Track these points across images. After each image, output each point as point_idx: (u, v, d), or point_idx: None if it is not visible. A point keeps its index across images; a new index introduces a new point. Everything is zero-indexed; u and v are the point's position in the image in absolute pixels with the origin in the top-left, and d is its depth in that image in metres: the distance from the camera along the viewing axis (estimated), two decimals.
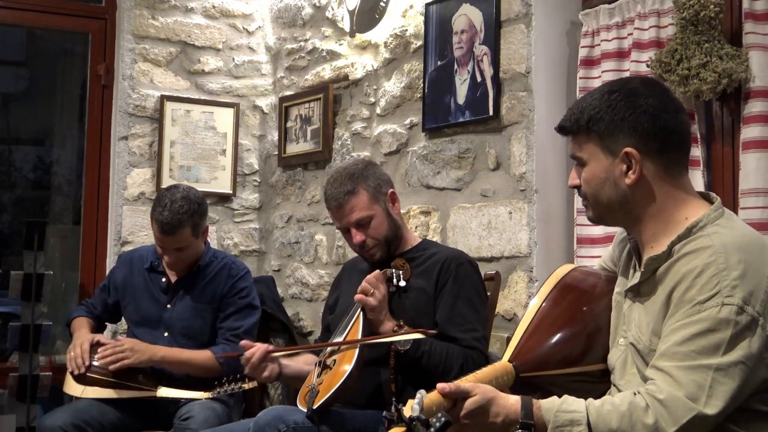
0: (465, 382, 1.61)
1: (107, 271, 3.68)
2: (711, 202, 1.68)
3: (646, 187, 1.65)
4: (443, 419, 1.45)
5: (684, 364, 1.47)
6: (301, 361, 2.55)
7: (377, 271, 2.38)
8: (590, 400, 1.54)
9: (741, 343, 1.47)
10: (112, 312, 3.26)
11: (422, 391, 1.50)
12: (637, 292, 1.69)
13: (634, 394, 1.51)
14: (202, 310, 3.12)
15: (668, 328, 1.54)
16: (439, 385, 1.58)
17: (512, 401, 1.57)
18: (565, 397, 1.56)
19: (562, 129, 1.75)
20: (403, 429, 1.46)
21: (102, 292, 3.29)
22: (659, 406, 1.46)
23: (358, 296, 2.32)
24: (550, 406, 1.54)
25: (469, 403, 1.56)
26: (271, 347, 2.40)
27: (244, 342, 2.43)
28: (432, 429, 1.42)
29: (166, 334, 3.11)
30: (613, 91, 1.68)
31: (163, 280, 3.16)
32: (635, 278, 1.69)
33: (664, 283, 1.60)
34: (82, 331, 3.09)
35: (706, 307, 1.49)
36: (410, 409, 1.48)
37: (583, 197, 1.75)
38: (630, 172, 1.65)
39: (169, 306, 3.13)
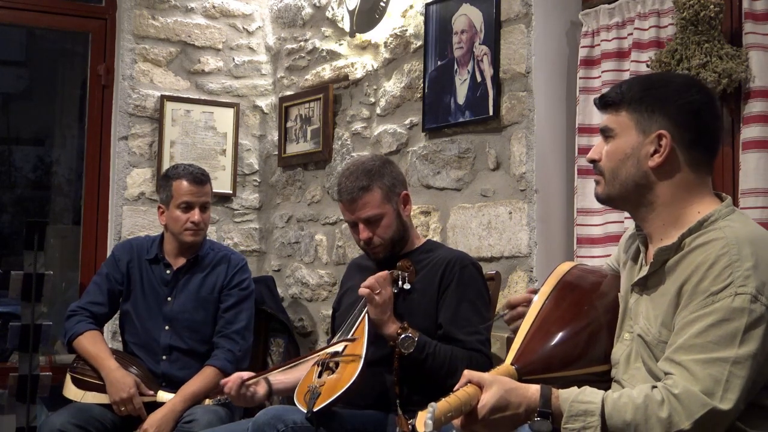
0: (485, 374, 1.62)
1: (110, 259, 3.62)
2: (722, 200, 1.70)
3: (667, 174, 1.67)
4: None
5: (701, 357, 1.48)
6: (299, 372, 2.50)
7: (385, 272, 2.36)
8: (608, 392, 1.55)
9: (756, 332, 1.48)
10: (114, 302, 3.19)
11: (433, 404, 1.50)
12: (644, 285, 1.70)
13: (652, 387, 1.51)
14: (204, 301, 3.13)
15: (682, 320, 1.54)
16: (467, 372, 1.61)
17: (532, 390, 1.58)
18: (585, 387, 1.57)
19: (603, 100, 1.74)
20: None
21: (105, 282, 3.18)
22: (674, 400, 1.47)
23: (363, 290, 2.30)
24: (567, 395, 1.55)
25: (490, 395, 1.57)
26: (245, 376, 2.41)
27: (222, 381, 2.45)
28: None
29: (167, 327, 3.10)
30: (666, 77, 1.74)
31: (168, 272, 3.15)
32: (643, 271, 1.70)
33: (675, 275, 1.61)
34: (120, 372, 2.92)
35: (720, 297, 1.50)
36: (423, 424, 1.47)
37: (598, 172, 1.74)
38: (656, 155, 1.66)
39: (169, 299, 3.12)
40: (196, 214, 3.11)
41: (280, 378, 2.50)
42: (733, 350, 1.47)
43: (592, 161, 1.76)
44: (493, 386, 1.58)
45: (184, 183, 3.12)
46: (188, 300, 3.12)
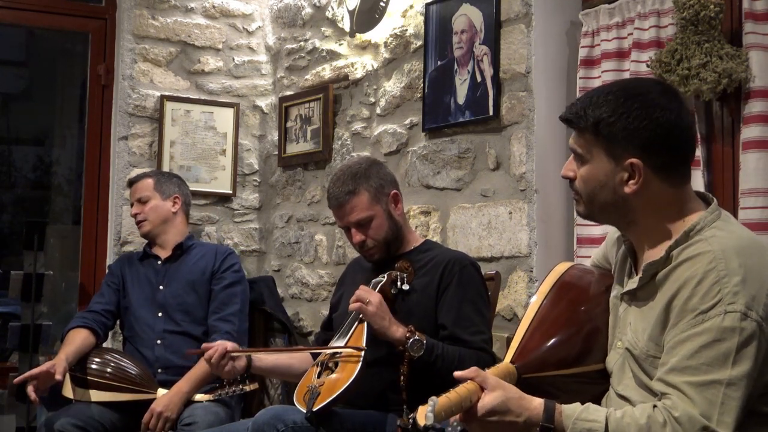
0: (491, 376, 1.61)
1: (107, 272, 3.70)
2: (708, 202, 1.67)
3: (646, 196, 1.63)
4: (459, 428, 1.45)
5: (695, 380, 1.47)
6: (281, 356, 2.56)
7: (363, 286, 2.36)
8: (611, 410, 1.54)
9: (748, 351, 1.46)
10: (118, 303, 3.27)
11: (433, 398, 1.50)
12: (634, 296, 1.68)
13: (653, 407, 1.51)
14: (195, 283, 3.21)
15: (673, 339, 1.52)
16: (474, 370, 1.60)
17: (536, 403, 1.58)
18: (588, 405, 1.56)
19: (567, 122, 1.70)
20: None
21: (105, 287, 3.30)
22: (675, 423, 1.46)
23: (354, 305, 2.30)
24: (570, 412, 1.54)
25: (492, 398, 1.56)
26: (230, 347, 2.39)
27: (204, 345, 2.45)
28: None
29: (160, 314, 3.18)
30: (630, 96, 1.62)
31: (159, 262, 3.28)
32: (633, 283, 1.68)
33: (664, 289, 1.58)
34: (60, 355, 2.94)
35: (710, 316, 1.48)
36: (423, 417, 1.47)
37: (575, 191, 1.72)
38: (632, 182, 1.62)
39: (161, 287, 3.22)
40: (133, 209, 3.33)
41: (261, 356, 2.50)
42: (726, 372, 1.46)
43: (567, 178, 1.72)
44: (497, 390, 1.58)
45: (128, 190, 3.45)
46: (179, 285, 3.22)
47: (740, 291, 1.48)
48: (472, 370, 1.62)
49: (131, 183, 3.38)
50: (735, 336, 1.46)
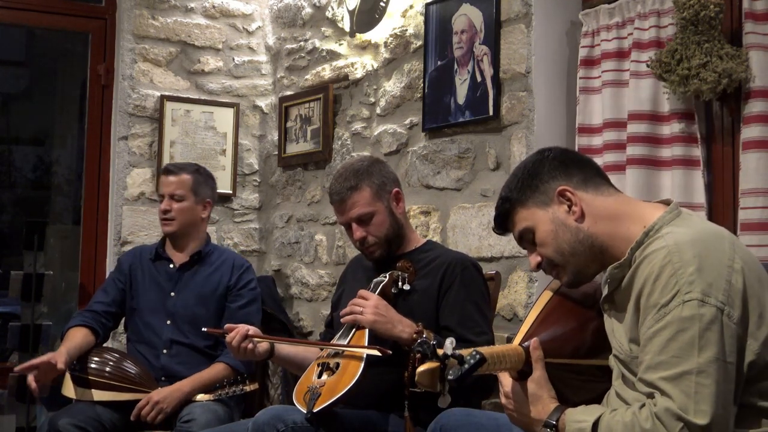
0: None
1: (107, 271, 3.69)
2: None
3: (591, 214, 1.70)
4: (478, 356, 1.47)
5: (668, 374, 1.49)
6: (303, 350, 2.55)
7: (360, 292, 2.36)
8: (606, 411, 1.57)
9: (711, 335, 1.47)
10: (121, 303, 3.21)
11: (452, 339, 1.53)
12: (612, 303, 1.71)
13: (641, 406, 1.53)
14: (207, 297, 3.15)
15: (643, 337, 1.55)
16: (534, 341, 1.70)
17: (551, 401, 1.67)
18: (588, 406, 1.61)
19: (500, 226, 1.81)
20: (437, 364, 1.49)
21: (110, 284, 3.23)
22: (655, 419, 1.48)
23: (347, 318, 2.29)
24: (571, 415, 1.61)
25: (544, 380, 1.68)
26: (251, 331, 2.40)
27: (228, 325, 2.45)
28: (466, 365, 1.45)
29: (168, 322, 3.12)
30: (517, 168, 1.81)
31: (171, 266, 3.20)
32: (606, 289, 1.72)
33: (631, 290, 1.62)
34: (61, 349, 2.92)
35: (670, 309, 1.50)
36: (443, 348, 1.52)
37: (550, 268, 1.76)
38: (573, 207, 1.70)
39: (173, 294, 3.16)
40: (164, 203, 3.17)
41: (284, 346, 2.51)
42: (694, 360, 1.47)
43: (539, 267, 1.77)
44: (543, 376, 1.68)
45: (162, 177, 3.25)
46: (191, 296, 3.15)
47: (696, 280, 1.49)
48: (535, 341, 1.70)
49: (169, 171, 3.19)
50: (695, 323, 1.48)
